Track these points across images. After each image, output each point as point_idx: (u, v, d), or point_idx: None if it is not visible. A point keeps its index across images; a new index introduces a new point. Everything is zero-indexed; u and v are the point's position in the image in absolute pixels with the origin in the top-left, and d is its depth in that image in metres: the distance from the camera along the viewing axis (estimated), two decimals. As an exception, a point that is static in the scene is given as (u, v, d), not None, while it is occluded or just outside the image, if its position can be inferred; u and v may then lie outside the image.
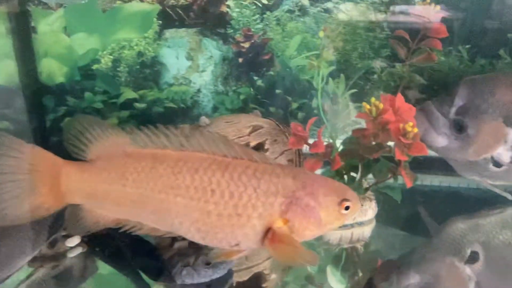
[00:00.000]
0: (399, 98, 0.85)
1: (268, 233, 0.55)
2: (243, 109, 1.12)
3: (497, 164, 0.93)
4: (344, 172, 0.89)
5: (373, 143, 0.85)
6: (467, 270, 0.80)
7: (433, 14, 0.95)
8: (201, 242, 0.59)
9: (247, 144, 0.85)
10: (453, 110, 0.90)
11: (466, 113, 0.90)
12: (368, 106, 0.84)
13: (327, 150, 0.87)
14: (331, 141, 0.95)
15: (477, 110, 0.90)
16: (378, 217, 0.99)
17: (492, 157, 0.93)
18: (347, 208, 0.57)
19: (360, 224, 0.93)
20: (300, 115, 1.17)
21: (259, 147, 0.87)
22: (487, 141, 0.91)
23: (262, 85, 1.16)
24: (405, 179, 0.81)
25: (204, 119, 0.86)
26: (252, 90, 1.16)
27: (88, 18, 1.10)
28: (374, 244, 0.94)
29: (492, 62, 1.12)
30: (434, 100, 0.92)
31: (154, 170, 0.56)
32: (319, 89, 1.00)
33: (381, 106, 0.84)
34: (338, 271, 0.85)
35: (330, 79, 1.15)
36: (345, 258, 0.89)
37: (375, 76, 1.16)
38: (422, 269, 0.81)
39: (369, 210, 0.93)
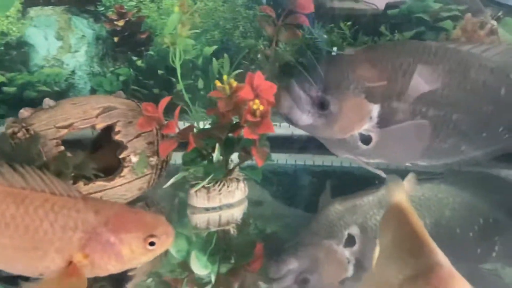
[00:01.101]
0: (258, 76, 0.83)
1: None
2: (124, 91, 1.07)
3: (365, 141, 0.93)
4: (205, 154, 0.86)
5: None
6: (346, 252, 0.79)
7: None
8: (5, 270, 0.61)
9: (93, 127, 0.81)
10: (315, 87, 0.88)
11: (327, 90, 0.88)
12: (219, 84, 0.81)
13: (186, 131, 0.84)
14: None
15: (338, 87, 0.88)
16: (263, 197, 0.98)
17: (360, 134, 0.93)
18: (152, 244, 0.58)
19: (229, 206, 0.91)
20: (186, 96, 1.13)
21: (108, 130, 0.83)
22: (351, 118, 0.89)
23: (143, 65, 1.11)
24: (255, 158, 0.79)
25: (48, 101, 0.80)
26: (131, 71, 1.11)
27: None
28: (253, 227, 0.92)
29: (374, 39, 1.11)
30: (297, 78, 0.90)
31: None
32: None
33: (234, 83, 0.81)
34: (205, 256, 0.83)
35: (214, 59, 1.12)
36: (215, 243, 0.87)
37: (259, 56, 1.13)
38: (300, 254, 0.80)
39: (237, 191, 0.90)
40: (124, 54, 1.10)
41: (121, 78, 1.10)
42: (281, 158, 1.25)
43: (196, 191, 0.87)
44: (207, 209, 0.89)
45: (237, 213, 0.92)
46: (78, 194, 0.59)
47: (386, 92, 0.88)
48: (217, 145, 0.82)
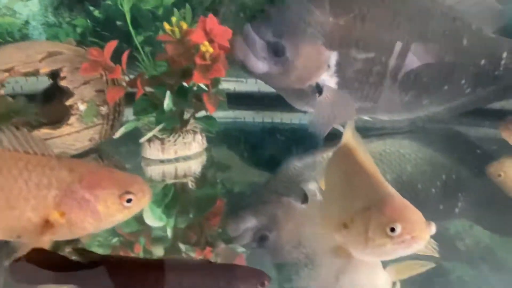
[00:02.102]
0: (211, 19, 0.79)
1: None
2: (81, 43, 1.02)
3: (322, 92, 0.89)
4: (157, 103, 0.82)
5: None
6: (303, 208, 0.76)
7: None
8: None
9: (37, 71, 0.77)
10: (271, 31, 0.83)
11: (283, 34, 0.82)
12: (168, 27, 0.77)
13: (136, 78, 0.80)
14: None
15: (294, 31, 0.83)
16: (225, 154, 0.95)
17: (317, 84, 0.89)
18: (129, 200, 0.57)
19: (186, 158, 0.88)
20: (147, 49, 1.09)
21: (54, 74, 0.79)
22: (308, 66, 0.85)
23: (100, 16, 1.07)
24: (206, 104, 0.76)
25: (-12, 45, 0.76)
26: (89, 21, 1.07)
27: None
28: (212, 182, 0.90)
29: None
30: (252, 21, 0.85)
31: None
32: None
33: (185, 26, 0.78)
34: (160, 208, 0.81)
35: (175, 9, 1.07)
36: (172, 195, 0.85)
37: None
38: (259, 211, 0.78)
39: (194, 143, 0.87)
40: (81, 3, 1.05)
41: (78, 29, 1.06)
42: (248, 116, 1.23)
43: (149, 143, 0.85)
44: (162, 161, 0.87)
45: (195, 166, 0.90)
46: (52, 152, 0.58)
47: (344, 38, 0.84)
48: (168, 93, 0.79)
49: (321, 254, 0.63)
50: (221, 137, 1.04)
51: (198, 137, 0.88)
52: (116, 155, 0.93)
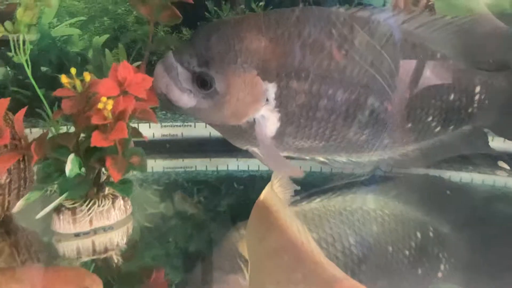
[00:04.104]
0: (124, 66, 0.66)
1: None
2: (2, 94, 0.90)
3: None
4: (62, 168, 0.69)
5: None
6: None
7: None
8: None
9: None
10: (195, 60, 0.70)
11: (210, 64, 0.70)
12: (66, 80, 0.64)
13: (32, 142, 0.67)
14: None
15: (222, 60, 0.70)
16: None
17: (255, 120, 0.74)
18: None
19: (105, 229, 0.74)
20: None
21: None
22: (243, 99, 0.71)
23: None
24: (109, 171, 0.63)
25: None
26: (9, 69, 0.95)
27: None
28: (140, 254, 0.74)
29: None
30: (175, 49, 0.73)
31: None
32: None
33: (88, 77, 0.65)
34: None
35: (107, 50, 0.96)
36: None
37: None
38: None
39: (114, 210, 0.73)
40: (-3, 49, 0.93)
41: (-4, 78, 0.94)
42: (200, 164, 1.09)
43: (58, 214, 0.71)
44: (77, 235, 0.73)
45: (117, 237, 0.75)
46: None
47: (284, 68, 0.71)
48: (71, 156, 0.65)
49: None
50: (164, 193, 0.91)
51: (120, 202, 0.75)
52: (28, 228, 0.79)
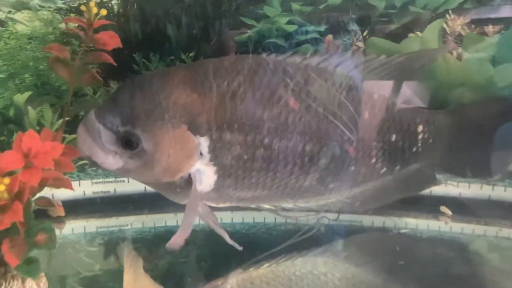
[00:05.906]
0: (30, 135, 0.61)
1: None
2: None
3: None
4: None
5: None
6: None
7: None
8: None
9: None
10: (119, 119, 0.66)
11: (135, 122, 0.66)
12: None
13: None
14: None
15: (148, 117, 0.66)
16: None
17: (190, 175, 0.71)
18: None
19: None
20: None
21: None
22: (175, 156, 0.68)
23: None
24: (5, 256, 0.56)
25: None
26: None
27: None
28: None
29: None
30: (97, 108, 0.68)
31: None
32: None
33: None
34: None
35: (29, 108, 0.90)
36: None
37: (88, 97, 0.92)
38: None
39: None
40: None
41: None
42: (136, 222, 1.02)
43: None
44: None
45: None
46: None
47: (214, 121, 0.68)
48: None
49: None
50: (95, 254, 0.85)
51: (30, 281, 0.67)
52: None
